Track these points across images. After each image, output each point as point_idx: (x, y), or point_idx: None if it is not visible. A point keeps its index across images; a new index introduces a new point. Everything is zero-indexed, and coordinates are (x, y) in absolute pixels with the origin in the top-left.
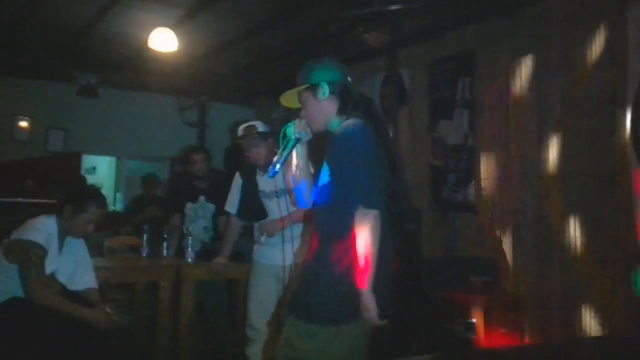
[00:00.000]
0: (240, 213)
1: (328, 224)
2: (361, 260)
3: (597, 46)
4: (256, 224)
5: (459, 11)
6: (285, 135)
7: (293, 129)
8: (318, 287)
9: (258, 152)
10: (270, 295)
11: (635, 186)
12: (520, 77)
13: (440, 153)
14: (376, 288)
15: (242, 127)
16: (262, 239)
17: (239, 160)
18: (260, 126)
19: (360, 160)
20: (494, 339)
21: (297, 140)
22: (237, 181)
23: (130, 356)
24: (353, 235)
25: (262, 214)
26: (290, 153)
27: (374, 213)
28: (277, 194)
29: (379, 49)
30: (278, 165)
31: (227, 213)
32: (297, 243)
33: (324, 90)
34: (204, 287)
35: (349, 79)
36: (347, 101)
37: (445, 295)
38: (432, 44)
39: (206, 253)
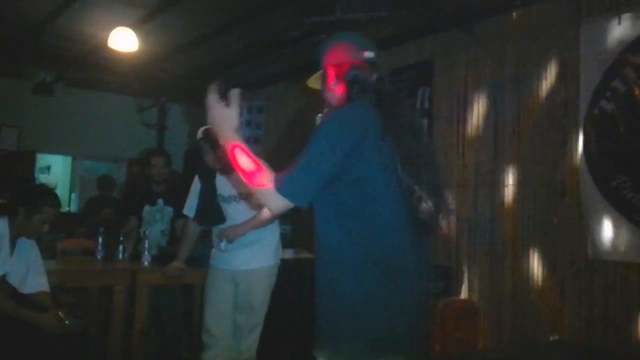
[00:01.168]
0: (198, 217)
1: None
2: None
3: (551, 61)
4: (215, 231)
5: (419, 22)
6: None
7: None
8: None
9: (216, 155)
10: (226, 301)
11: (587, 197)
12: (477, 89)
13: None
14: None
15: (201, 129)
16: (222, 245)
17: (199, 164)
18: None
19: (319, 148)
20: (448, 344)
21: None
22: (196, 185)
23: None
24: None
25: (220, 218)
26: None
27: (282, 202)
28: (236, 198)
29: None
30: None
31: (185, 217)
32: (255, 247)
33: (330, 76)
34: (159, 292)
35: (365, 54)
36: (352, 86)
37: None
38: (392, 53)
39: (163, 257)
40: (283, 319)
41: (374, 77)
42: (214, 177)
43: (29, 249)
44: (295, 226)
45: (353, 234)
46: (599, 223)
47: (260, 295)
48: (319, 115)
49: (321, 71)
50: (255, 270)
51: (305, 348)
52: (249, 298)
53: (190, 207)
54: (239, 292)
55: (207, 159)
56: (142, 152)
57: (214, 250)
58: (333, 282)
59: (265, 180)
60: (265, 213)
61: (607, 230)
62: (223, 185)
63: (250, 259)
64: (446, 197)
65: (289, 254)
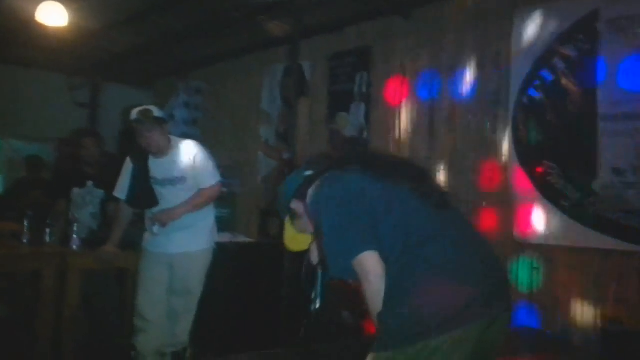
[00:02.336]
0: (130, 200)
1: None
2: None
3: (486, 50)
4: (149, 214)
5: (359, 8)
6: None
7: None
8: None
9: (152, 137)
10: (160, 285)
11: (514, 182)
12: (415, 75)
13: (337, 145)
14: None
15: (136, 110)
16: (155, 229)
17: (133, 145)
18: (155, 110)
19: (331, 220)
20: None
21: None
22: (128, 166)
23: (10, 349)
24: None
25: (153, 201)
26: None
27: (364, 262)
28: (171, 181)
29: (281, 39)
30: (318, 303)
31: (117, 199)
32: (190, 231)
33: (298, 208)
34: (91, 277)
35: (306, 173)
36: (310, 183)
37: (335, 283)
38: (332, 37)
39: (93, 241)
40: (218, 303)
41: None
42: (147, 159)
43: None
44: (232, 210)
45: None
46: (526, 207)
47: (195, 279)
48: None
49: (290, 214)
50: (190, 254)
51: (239, 332)
52: (185, 282)
53: (121, 189)
54: (174, 275)
55: (140, 141)
56: (72, 133)
57: (147, 234)
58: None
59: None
60: (199, 197)
61: (534, 214)
62: (156, 167)
63: (185, 243)
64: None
65: (226, 237)
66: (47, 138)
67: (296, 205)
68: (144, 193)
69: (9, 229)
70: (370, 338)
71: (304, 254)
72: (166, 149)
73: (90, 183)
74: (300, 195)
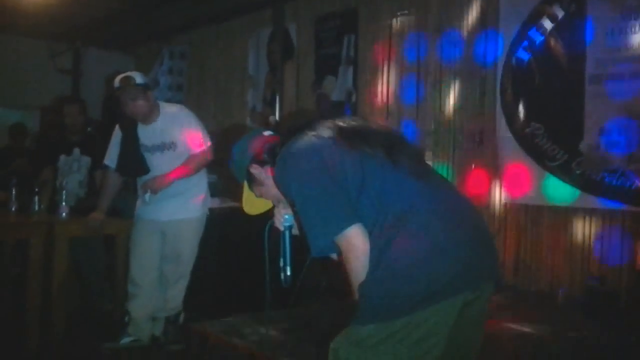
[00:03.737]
0: (120, 167)
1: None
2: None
3: (471, 11)
4: (140, 182)
5: None
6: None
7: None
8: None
9: (135, 105)
10: (153, 251)
11: (501, 144)
12: (401, 37)
13: (324, 109)
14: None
15: (118, 78)
16: (147, 197)
17: (118, 112)
18: (138, 77)
19: (305, 192)
20: None
21: (288, 228)
22: (117, 134)
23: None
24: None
25: (144, 169)
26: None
27: (349, 238)
28: (160, 148)
29: (266, 1)
30: (288, 270)
31: (106, 167)
32: (182, 198)
33: (257, 172)
34: (79, 244)
35: (265, 134)
36: (273, 156)
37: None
38: (318, 0)
39: (81, 209)
40: (209, 267)
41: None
42: (135, 127)
43: None
44: (222, 175)
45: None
46: (513, 168)
47: (187, 246)
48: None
49: (247, 180)
50: (182, 221)
51: (231, 295)
52: (177, 249)
53: (111, 157)
54: (166, 242)
55: (126, 109)
56: (55, 100)
57: (139, 201)
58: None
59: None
60: (190, 162)
61: (520, 175)
62: (145, 134)
63: (177, 210)
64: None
65: (215, 202)
66: (30, 105)
67: (256, 171)
68: (134, 161)
69: None
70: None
71: (265, 216)
72: (153, 116)
73: (76, 150)
74: (261, 161)
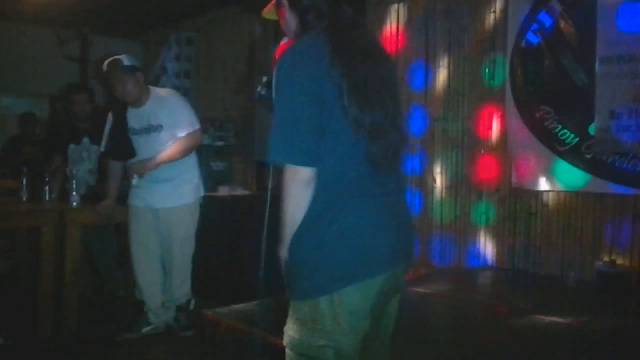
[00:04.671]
0: (109, 151)
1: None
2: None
3: None
4: (126, 165)
5: None
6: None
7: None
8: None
9: (124, 88)
10: (150, 238)
11: (512, 128)
12: (410, 20)
13: None
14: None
15: (106, 62)
16: (134, 181)
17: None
18: (126, 60)
19: (286, 100)
20: None
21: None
22: (110, 119)
23: (12, 305)
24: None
25: (130, 152)
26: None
27: (300, 173)
28: (147, 130)
29: None
30: (264, 90)
31: (103, 153)
32: (172, 184)
33: (284, 6)
34: (90, 232)
35: None
36: (306, 15)
37: None
38: None
39: (92, 197)
40: (219, 256)
41: (328, 2)
42: (125, 110)
43: None
44: (229, 163)
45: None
46: (522, 153)
47: (182, 233)
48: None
49: (275, 2)
50: (174, 209)
51: (243, 283)
52: (171, 236)
53: (105, 143)
54: (160, 230)
55: (115, 92)
56: (63, 89)
57: (131, 190)
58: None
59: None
60: (177, 145)
61: (530, 159)
62: (134, 117)
63: (168, 197)
64: (404, 129)
65: (224, 190)
66: (39, 94)
67: (284, 5)
68: (121, 143)
69: (7, 186)
70: None
71: None
72: (144, 99)
73: (85, 139)
74: (294, 9)
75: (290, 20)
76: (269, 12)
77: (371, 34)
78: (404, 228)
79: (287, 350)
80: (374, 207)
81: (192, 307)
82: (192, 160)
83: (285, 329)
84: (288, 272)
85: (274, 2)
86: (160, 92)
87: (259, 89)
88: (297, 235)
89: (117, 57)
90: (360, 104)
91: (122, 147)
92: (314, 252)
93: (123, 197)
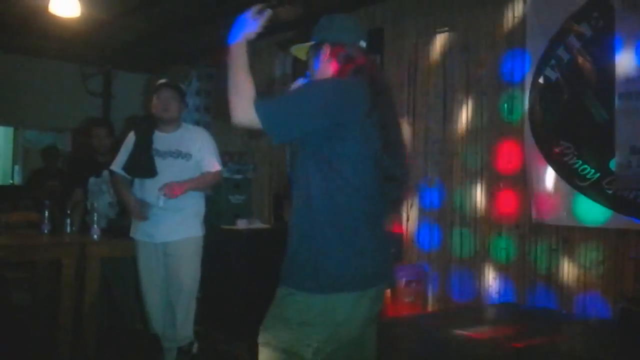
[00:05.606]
0: (128, 167)
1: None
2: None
3: (497, 29)
4: (138, 193)
5: None
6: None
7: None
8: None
9: (169, 101)
10: (156, 273)
11: (531, 163)
12: (428, 56)
13: None
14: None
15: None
16: (161, 201)
17: (140, 118)
18: (180, 84)
19: (311, 94)
20: (398, 308)
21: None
22: (129, 139)
23: (32, 335)
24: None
25: (152, 170)
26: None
27: (251, 117)
28: (173, 154)
29: (291, 22)
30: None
31: (111, 172)
32: (179, 216)
33: (325, 51)
34: (109, 265)
35: (361, 42)
36: (347, 66)
37: None
38: None
39: (112, 230)
40: (237, 289)
41: (366, 64)
42: (152, 132)
43: None
44: (247, 196)
45: (331, 186)
46: (542, 188)
47: (189, 268)
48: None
49: (315, 44)
50: (180, 242)
51: (258, 318)
52: (178, 271)
53: (117, 163)
54: (167, 265)
55: (157, 103)
56: (84, 122)
57: (134, 222)
58: (309, 226)
59: (249, 90)
60: (204, 178)
61: (550, 194)
62: (161, 140)
63: (174, 229)
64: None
65: (242, 223)
66: (62, 128)
67: (326, 52)
68: (144, 161)
69: (29, 219)
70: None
71: None
72: (175, 126)
73: (105, 172)
74: (337, 53)
75: (328, 65)
76: (299, 50)
77: (392, 98)
78: (388, 252)
79: (261, 348)
80: (373, 231)
81: (194, 350)
82: (200, 195)
83: (263, 327)
84: (291, 268)
85: (311, 43)
86: (192, 127)
87: None
88: (307, 237)
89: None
90: (392, 158)
91: (144, 164)
92: (320, 255)
93: (124, 231)
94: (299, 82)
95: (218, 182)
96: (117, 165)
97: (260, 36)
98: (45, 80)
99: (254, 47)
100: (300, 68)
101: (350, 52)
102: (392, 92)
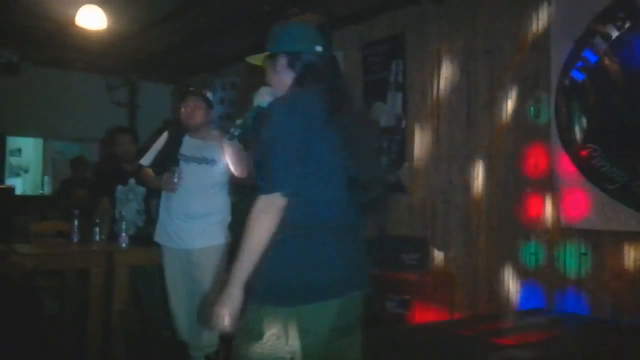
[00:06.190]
0: (154, 165)
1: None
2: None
3: (522, 32)
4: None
5: None
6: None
7: (257, 97)
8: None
9: (195, 109)
10: (183, 280)
11: (559, 167)
12: (450, 61)
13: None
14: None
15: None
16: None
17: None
18: (208, 92)
19: (278, 139)
20: (425, 314)
21: (258, 108)
22: (162, 138)
23: (62, 343)
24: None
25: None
26: (253, 122)
27: (272, 200)
28: (199, 160)
29: None
30: (237, 131)
31: (140, 166)
32: (204, 222)
33: (281, 62)
34: (137, 272)
35: (317, 47)
36: (305, 75)
37: (377, 274)
38: (364, 26)
39: (140, 237)
40: None
41: (325, 69)
42: (183, 135)
43: None
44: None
45: (289, 202)
46: (571, 191)
47: (212, 276)
48: (259, 94)
49: (270, 54)
50: (205, 249)
51: None
52: (202, 280)
53: (147, 158)
54: (190, 271)
55: (184, 110)
56: (107, 131)
57: (158, 226)
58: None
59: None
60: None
61: (579, 198)
62: (188, 145)
63: (200, 236)
64: (386, 185)
65: None
66: (89, 138)
67: (282, 63)
68: (169, 163)
69: (58, 228)
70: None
71: None
72: (203, 132)
73: (131, 180)
74: (292, 64)
75: (286, 75)
76: (255, 59)
77: (356, 100)
78: (357, 261)
79: None
80: (335, 242)
81: (221, 358)
82: (225, 200)
83: (236, 343)
84: (257, 283)
85: (267, 54)
86: (218, 133)
87: (232, 130)
88: (273, 250)
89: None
90: (354, 161)
91: (168, 164)
92: (283, 269)
93: (152, 239)
94: (263, 90)
95: (239, 178)
96: (145, 160)
97: None
98: (72, 92)
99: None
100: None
101: (307, 60)
102: (353, 94)
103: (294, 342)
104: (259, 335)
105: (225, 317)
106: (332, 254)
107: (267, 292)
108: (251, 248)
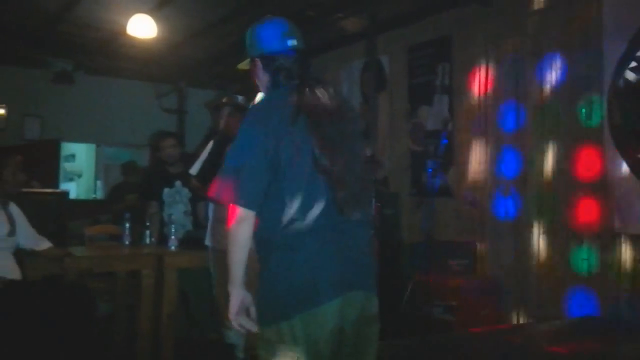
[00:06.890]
0: (200, 174)
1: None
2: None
3: (571, 32)
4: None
5: None
6: None
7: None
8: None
9: (230, 120)
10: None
11: (612, 170)
12: (498, 63)
13: (419, 138)
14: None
15: (242, 97)
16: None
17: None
18: (241, 99)
19: (243, 150)
20: (472, 321)
21: None
22: (208, 147)
23: (113, 344)
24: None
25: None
26: None
27: (247, 216)
28: None
29: (358, 34)
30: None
31: (190, 175)
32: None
33: (258, 65)
34: (186, 275)
35: (290, 42)
36: (277, 75)
37: (424, 279)
38: (410, 29)
39: (190, 241)
40: None
41: (297, 63)
42: (226, 144)
43: (19, 213)
44: None
45: (264, 210)
46: (625, 196)
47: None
48: (257, 100)
49: (249, 61)
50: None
51: None
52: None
53: (195, 167)
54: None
55: (222, 123)
56: (152, 136)
57: (209, 230)
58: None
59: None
60: None
61: (634, 202)
62: None
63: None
64: (365, 179)
65: None
66: (139, 144)
67: (258, 65)
68: (212, 173)
69: (110, 231)
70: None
71: None
72: None
73: (177, 182)
74: (266, 65)
75: (263, 78)
76: (243, 64)
77: (335, 92)
78: (352, 260)
79: None
80: (321, 244)
81: None
82: None
83: (258, 351)
84: (257, 307)
85: (249, 60)
86: None
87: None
88: (261, 270)
89: (235, 95)
90: (327, 157)
91: (211, 174)
92: (274, 284)
93: (201, 242)
94: (259, 96)
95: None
96: (193, 170)
97: (326, 49)
98: (122, 100)
99: (321, 63)
100: (366, 79)
101: (278, 59)
102: (326, 86)
103: (302, 352)
104: (269, 346)
105: (235, 316)
106: (315, 258)
107: (265, 311)
108: (236, 251)
